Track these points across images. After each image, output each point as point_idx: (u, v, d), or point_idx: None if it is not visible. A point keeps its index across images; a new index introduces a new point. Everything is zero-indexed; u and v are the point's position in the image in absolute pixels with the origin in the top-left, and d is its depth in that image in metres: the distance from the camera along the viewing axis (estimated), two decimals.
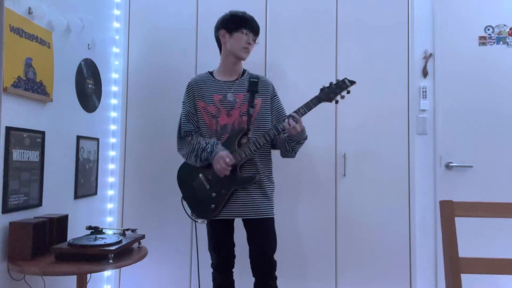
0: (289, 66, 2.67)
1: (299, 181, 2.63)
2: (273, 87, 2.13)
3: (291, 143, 1.97)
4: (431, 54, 2.78)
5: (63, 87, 2.27)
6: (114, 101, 2.83)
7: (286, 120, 1.87)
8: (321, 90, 1.93)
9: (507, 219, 2.69)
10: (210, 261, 2.10)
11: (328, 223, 2.61)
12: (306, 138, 2.00)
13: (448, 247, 1.20)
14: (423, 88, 2.76)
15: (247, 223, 2.02)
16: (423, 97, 2.76)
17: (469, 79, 2.77)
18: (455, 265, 1.18)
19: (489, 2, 2.78)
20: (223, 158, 1.88)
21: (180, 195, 2.09)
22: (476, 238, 2.69)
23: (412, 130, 2.63)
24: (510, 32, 2.77)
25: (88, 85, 2.51)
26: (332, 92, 1.90)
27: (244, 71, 2.14)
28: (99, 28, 2.62)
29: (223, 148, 1.93)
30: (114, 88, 2.84)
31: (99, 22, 2.63)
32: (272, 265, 1.99)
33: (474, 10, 2.79)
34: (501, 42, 2.77)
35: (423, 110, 2.76)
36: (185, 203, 2.07)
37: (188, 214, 2.05)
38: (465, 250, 2.65)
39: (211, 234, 2.06)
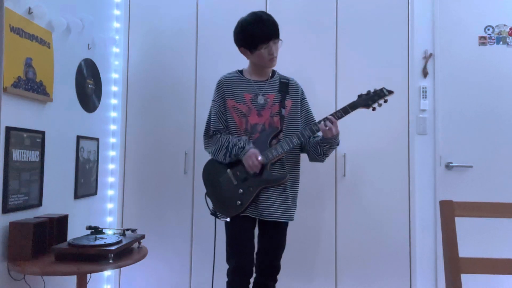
0: (288, 66, 2.67)
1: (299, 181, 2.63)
2: (302, 91, 2.11)
3: (324, 146, 1.95)
4: (431, 54, 2.78)
5: (63, 87, 2.27)
6: (114, 101, 2.83)
7: (322, 122, 1.88)
8: (359, 96, 1.94)
9: (507, 219, 2.68)
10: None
11: (328, 223, 2.61)
12: (338, 144, 1.99)
13: (448, 247, 1.20)
14: (423, 88, 2.76)
15: (266, 224, 1.97)
16: (423, 97, 2.75)
17: (469, 79, 2.77)
18: (455, 265, 1.18)
19: (489, 2, 2.78)
20: (255, 155, 1.85)
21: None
22: (476, 238, 2.69)
23: (412, 130, 2.63)
24: (510, 32, 2.77)
25: (88, 85, 2.51)
26: (370, 99, 1.93)
27: (274, 71, 2.10)
28: (99, 28, 2.62)
29: (254, 146, 1.90)
30: (114, 88, 2.84)
31: (99, 22, 2.63)
32: (277, 269, 2.00)
33: (474, 10, 2.79)
34: (501, 42, 2.77)
35: (423, 110, 2.76)
36: (208, 200, 2.01)
37: (210, 210, 2.00)
38: (465, 250, 2.65)
39: (235, 235, 1.93)
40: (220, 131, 2.01)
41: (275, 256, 1.98)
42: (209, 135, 2.03)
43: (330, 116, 1.90)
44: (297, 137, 1.89)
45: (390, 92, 1.93)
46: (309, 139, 1.99)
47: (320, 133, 1.93)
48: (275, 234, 1.97)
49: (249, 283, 1.92)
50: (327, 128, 1.86)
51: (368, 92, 1.94)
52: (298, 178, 2.04)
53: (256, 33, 1.91)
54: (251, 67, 2.05)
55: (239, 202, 1.89)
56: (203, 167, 2.04)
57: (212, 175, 1.99)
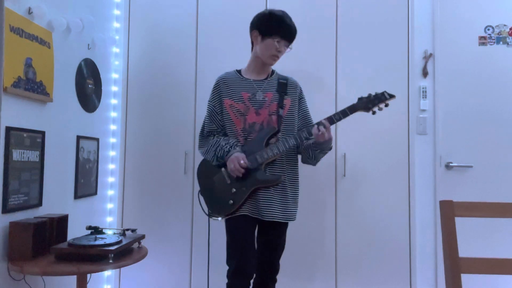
0: (289, 66, 2.67)
1: (299, 181, 2.63)
2: (301, 90, 2.08)
3: (315, 150, 1.93)
4: (431, 54, 2.78)
5: (63, 87, 2.27)
6: (114, 101, 2.83)
7: (316, 126, 1.84)
8: (359, 99, 1.90)
9: (507, 219, 2.68)
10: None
11: (328, 223, 2.61)
12: (330, 149, 1.97)
13: (448, 247, 1.20)
14: (423, 88, 2.76)
15: (266, 224, 1.94)
16: (423, 97, 2.76)
17: (469, 79, 2.77)
18: (455, 265, 1.18)
19: (489, 2, 2.78)
20: (238, 159, 1.83)
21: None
22: (476, 238, 2.69)
23: (412, 130, 2.62)
24: (510, 32, 2.77)
25: (88, 85, 2.51)
26: (371, 102, 1.88)
27: (273, 71, 2.09)
28: (99, 28, 2.62)
29: (240, 150, 1.89)
30: (114, 88, 2.84)
31: (99, 22, 2.63)
32: (276, 270, 2.00)
33: (474, 10, 2.79)
34: (501, 42, 2.77)
35: (423, 110, 2.76)
36: (201, 198, 2.04)
37: (204, 210, 2.00)
38: (465, 250, 2.65)
39: (235, 236, 1.89)
40: (214, 132, 2.02)
41: (275, 256, 1.97)
42: (204, 135, 2.05)
43: (324, 121, 1.85)
44: (293, 138, 1.87)
45: (392, 96, 1.87)
46: (305, 141, 1.95)
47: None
48: (275, 234, 1.95)
49: (249, 284, 1.87)
50: (320, 132, 1.81)
51: (369, 95, 1.89)
52: (298, 178, 2.01)
53: (280, 24, 1.93)
54: (251, 63, 2.04)
55: (231, 202, 1.87)
56: (198, 166, 2.05)
57: (206, 174, 1.99)
